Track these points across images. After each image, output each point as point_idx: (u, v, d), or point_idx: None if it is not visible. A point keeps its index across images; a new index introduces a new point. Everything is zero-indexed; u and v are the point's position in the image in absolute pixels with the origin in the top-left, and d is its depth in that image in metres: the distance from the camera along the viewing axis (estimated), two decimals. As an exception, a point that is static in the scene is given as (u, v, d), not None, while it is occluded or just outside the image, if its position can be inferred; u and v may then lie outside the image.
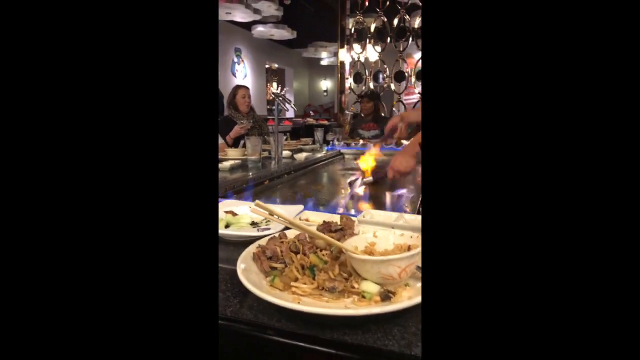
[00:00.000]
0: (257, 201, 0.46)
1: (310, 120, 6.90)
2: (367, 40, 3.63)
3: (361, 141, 2.50)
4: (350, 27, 3.70)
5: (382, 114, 3.43)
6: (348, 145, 2.42)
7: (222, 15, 4.55)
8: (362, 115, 3.25)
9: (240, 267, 0.49)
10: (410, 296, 0.44)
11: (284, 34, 5.22)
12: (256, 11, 4.33)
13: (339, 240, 0.57)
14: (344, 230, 0.61)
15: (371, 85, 3.68)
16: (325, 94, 9.08)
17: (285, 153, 1.97)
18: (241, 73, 6.37)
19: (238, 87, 2.70)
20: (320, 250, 0.54)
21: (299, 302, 0.44)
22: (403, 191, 0.81)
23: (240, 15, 4.42)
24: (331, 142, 2.42)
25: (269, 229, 0.69)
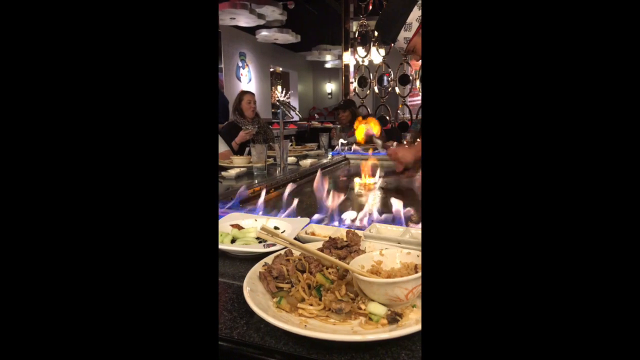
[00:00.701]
0: (263, 225, 0.46)
1: (315, 124, 6.91)
2: (372, 44, 3.63)
3: (355, 147, 2.50)
4: (354, 30, 3.70)
5: (387, 118, 3.45)
6: (353, 150, 2.41)
7: (227, 21, 4.58)
8: (341, 125, 3.30)
9: (247, 289, 0.49)
10: (417, 319, 0.43)
11: (288, 38, 5.24)
12: (260, 16, 4.35)
13: (345, 257, 0.57)
14: (350, 246, 0.61)
15: (376, 89, 3.68)
16: (329, 96, 9.09)
17: (291, 159, 1.97)
18: (246, 77, 6.40)
19: (244, 92, 2.71)
20: (327, 269, 0.54)
21: (305, 326, 0.43)
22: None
23: (244, 20, 4.45)
24: (344, 146, 2.41)
25: (274, 244, 0.69)
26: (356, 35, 3.69)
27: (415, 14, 1.19)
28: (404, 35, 1.21)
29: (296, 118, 6.97)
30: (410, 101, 3.73)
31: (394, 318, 0.44)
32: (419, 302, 0.48)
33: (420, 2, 1.18)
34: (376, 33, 3.55)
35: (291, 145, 2.61)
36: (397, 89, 3.62)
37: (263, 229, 0.47)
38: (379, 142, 1.92)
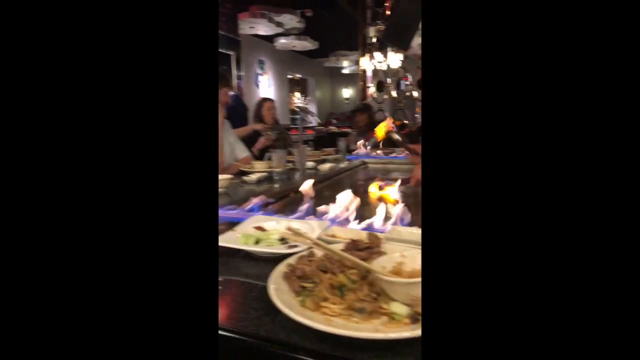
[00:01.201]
0: (289, 225, 0.48)
1: (333, 129, 6.93)
2: (389, 48, 3.64)
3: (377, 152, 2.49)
4: (371, 35, 3.72)
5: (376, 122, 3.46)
6: (370, 154, 2.42)
7: (246, 30, 4.69)
8: (358, 128, 3.29)
9: (272, 287, 0.51)
10: (440, 319, 0.44)
11: (305, 44, 5.30)
12: (279, 24, 4.43)
13: (366, 259, 0.58)
14: (371, 248, 0.62)
15: (393, 93, 3.68)
16: (347, 101, 9.11)
17: (309, 164, 1.99)
18: (264, 84, 6.50)
19: (264, 100, 2.76)
20: (349, 270, 0.55)
21: (329, 324, 0.45)
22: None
23: (263, 28, 4.54)
24: (367, 149, 2.42)
25: (297, 245, 0.70)
26: (373, 41, 3.71)
27: None
28: (418, 41, 1.19)
29: (315, 123, 7.02)
30: (428, 105, 3.70)
31: (416, 318, 0.45)
32: (440, 303, 0.49)
33: None
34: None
35: (309, 149, 2.64)
36: (415, 93, 3.60)
37: (289, 229, 0.49)
38: (397, 137, 1.91)
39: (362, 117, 3.27)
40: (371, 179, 1.66)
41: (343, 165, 2.12)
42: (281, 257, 0.62)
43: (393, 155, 2.33)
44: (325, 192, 1.66)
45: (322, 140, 5.37)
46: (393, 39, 1.30)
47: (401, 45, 1.25)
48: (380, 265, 0.53)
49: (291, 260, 0.59)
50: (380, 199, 1.33)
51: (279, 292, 0.51)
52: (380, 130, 1.94)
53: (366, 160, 2.31)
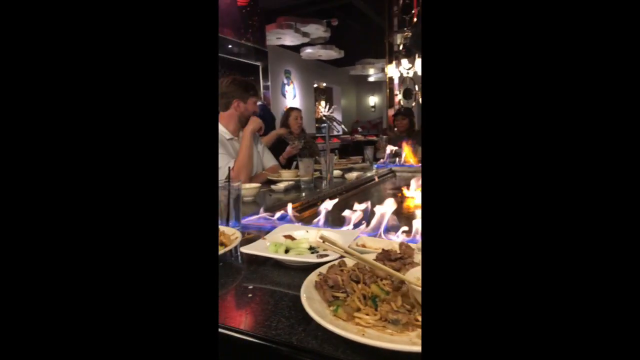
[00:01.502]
0: (322, 234, 0.48)
1: (359, 137, 6.92)
2: (416, 55, 3.61)
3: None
4: (398, 42, 3.71)
5: (416, 129, 3.41)
6: (396, 162, 2.39)
7: (273, 41, 4.80)
8: (398, 132, 3.26)
9: (304, 296, 0.51)
10: (478, 333, 0.42)
11: (331, 54, 5.36)
12: (305, 34, 4.51)
13: (399, 269, 0.57)
14: (403, 259, 0.61)
15: (421, 100, 3.63)
16: (373, 109, 9.08)
17: (336, 173, 1.99)
18: (290, 94, 6.60)
19: (291, 109, 2.81)
20: (381, 280, 0.54)
21: (363, 335, 0.44)
22: None
23: (289, 39, 4.63)
24: (386, 159, 2.41)
25: (327, 254, 0.70)
26: (400, 48, 3.69)
27: None
28: None
29: (341, 131, 7.07)
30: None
31: (453, 331, 0.44)
32: (478, 317, 0.47)
33: None
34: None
35: (336, 158, 2.64)
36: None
37: (322, 237, 0.49)
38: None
39: (404, 122, 3.26)
40: (399, 188, 1.64)
41: (370, 173, 2.10)
42: (311, 267, 0.62)
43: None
44: (353, 200, 1.65)
45: (348, 149, 5.38)
46: (419, 46, 1.29)
47: None
48: (414, 277, 0.52)
49: (322, 269, 0.59)
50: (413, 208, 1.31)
51: (311, 301, 0.51)
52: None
53: (394, 168, 2.28)
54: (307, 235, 0.84)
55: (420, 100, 3.64)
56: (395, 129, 3.34)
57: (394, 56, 3.72)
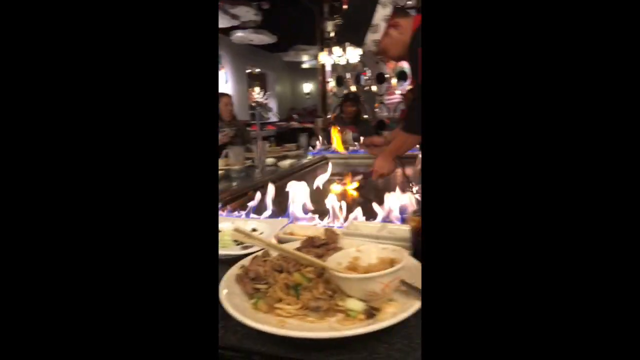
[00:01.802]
0: (236, 226, 0.46)
1: (295, 124, 6.89)
2: (347, 43, 3.65)
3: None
4: (329, 30, 3.72)
5: (363, 117, 3.46)
6: (330, 149, 2.42)
7: (200, 22, 4.51)
8: (344, 118, 3.26)
9: (224, 292, 0.48)
10: (394, 312, 0.44)
11: (263, 38, 5.19)
12: (234, 17, 4.30)
13: (322, 255, 0.57)
14: (328, 244, 0.61)
15: (352, 88, 3.70)
16: (308, 96, 9.09)
17: (269, 160, 1.96)
18: (222, 79, 6.31)
19: (221, 95, 2.67)
20: (305, 268, 0.54)
21: (283, 326, 0.43)
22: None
23: (218, 21, 4.39)
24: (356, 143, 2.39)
25: (252, 246, 0.68)
26: (331, 35, 3.71)
27: (381, 14, 1.13)
28: (371, 37, 1.17)
29: (274, 119, 6.95)
30: (387, 100, 3.77)
31: (371, 313, 0.45)
32: (395, 296, 0.49)
33: (384, 1, 1.15)
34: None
35: (270, 146, 2.59)
36: (374, 88, 3.65)
37: (237, 230, 0.46)
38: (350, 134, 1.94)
39: (352, 109, 3.20)
40: (333, 175, 1.66)
41: (305, 161, 2.10)
42: (236, 259, 0.60)
43: (354, 150, 2.35)
44: (287, 188, 1.64)
45: (284, 136, 5.32)
46: (348, 35, 1.29)
47: (355, 41, 1.23)
48: (336, 262, 0.52)
49: (244, 261, 0.56)
50: (342, 194, 1.33)
51: (231, 295, 0.48)
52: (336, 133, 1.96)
53: (328, 155, 2.31)
54: (232, 226, 0.80)
55: (352, 87, 3.71)
56: (343, 115, 3.31)
57: (325, 43, 3.72)
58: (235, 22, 4.41)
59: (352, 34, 1.23)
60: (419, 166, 1.66)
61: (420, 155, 1.74)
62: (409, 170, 1.38)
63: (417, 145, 1.78)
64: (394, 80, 3.62)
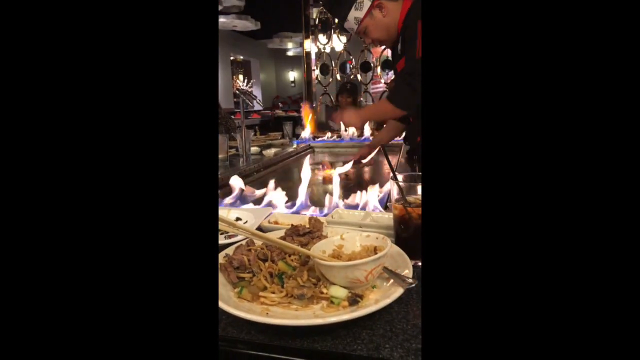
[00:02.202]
0: (220, 216, 0.45)
1: (280, 113, 6.82)
2: (332, 31, 3.61)
3: (329, 134, 2.50)
4: (314, 17, 3.66)
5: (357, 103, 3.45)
6: (317, 138, 2.42)
7: (181, 6, 4.37)
8: (339, 107, 3.26)
9: (207, 281, 0.48)
10: (377, 299, 0.45)
11: (247, 24, 5.08)
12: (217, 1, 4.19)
13: (307, 243, 0.57)
14: (312, 233, 0.61)
15: (338, 76, 3.68)
16: (292, 84, 9.00)
17: (254, 149, 1.94)
18: (205, 66, 6.16)
19: None
20: (289, 256, 0.54)
21: (267, 314, 0.43)
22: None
23: (200, 6, 4.26)
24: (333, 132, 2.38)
25: (236, 235, 0.68)
26: (316, 22, 3.65)
27: None
28: (354, 14, 1.16)
29: (258, 107, 6.87)
30: (372, 88, 3.77)
31: (354, 300, 0.45)
32: (378, 283, 0.49)
33: None
34: (336, 20, 3.53)
35: (255, 135, 2.56)
36: (359, 77, 3.64)
37: (221, 219, 0.46)
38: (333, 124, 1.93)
39: (348, 100, 3.18)
40: (318, 163, 1.66)
41: (290, 150, 2.09)
42: (220, 248, 0.59)
43: (339, 139, 2.35)
44: (271, 177, 1.63)
45: (268, 125, 5.27)
46: (332, 6, 1.27)
47: (338, 14, 1.22)
48: (320, 250, 0.52)
49: (228, 250, 0.56)
50: (326, 182, 1.33)
51: (214, 285, 0.48)
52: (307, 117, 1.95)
53: (312, 144, 2.30)
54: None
55: (338, 76, 3.68)
56: (338, 105, 3.28)
57: (310, 30, 3.67)
58: (218, 7, 4.29)
59: (336, 5, 1.21)
60: (402, 156, 1.68)
61: (404, 145, 1.76)
62: (393, 159, 1.39)
63: (400, 137, 1.79)
64: (378, 69, 3.61)
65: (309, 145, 2.28)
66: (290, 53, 7.70)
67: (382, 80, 3.72)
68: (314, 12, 3.66)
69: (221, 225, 0.50)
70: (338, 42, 3.64)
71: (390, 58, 3.47)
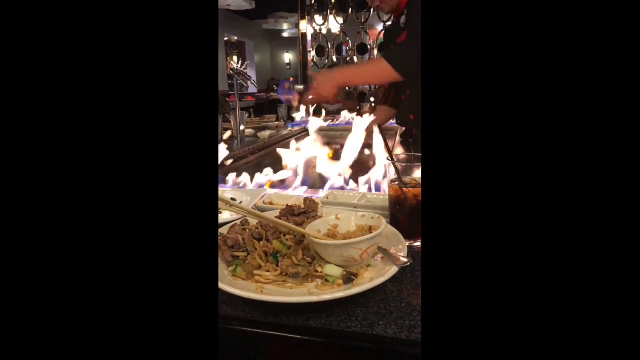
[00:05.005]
0: (220, 195, 0.45)
1: (275, 95, 6.73)
2: (329, 12, 3.53)
3: (324, 115, 2.48)
4: (311, -4, 3.57)
5: (347, 89, 3.40)
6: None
7: (173, -17, 4.23)
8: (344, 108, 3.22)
9: (201, 259, 0.48)
10: (371, 277, 0.45)
11: (241, 3, 4.94)
12: (210, -21, 4.06)
13: (302, 223, 0.57)
14: (307, 213, 0.61)
15: (334, 58, 3.62)
16: (288, 67, 8.86)
17: (248, 131, 1.92)
18: (198, 46, 6.03)
19: None
20: (284, 235, 0.54)
21: (262, 291, 0.43)
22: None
23: (193, -17, 4.13)
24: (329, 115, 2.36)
25: (231, 214, 0.67)
26: (312, 2, 3.57)
27: None
28: None
29: (253, 89, 6.78)
30: (368, 71, 3.72)
31: (349, 278, 0.45)
32: (373, 262, 0.50)
33: None
34: (333, 0, 3.45)
35: (249, 117, 2.53)
36: (355, 59, 3.58)
37: (219, 199, 0.45)
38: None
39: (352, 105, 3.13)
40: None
41: (285, 132, 2.07)
42: (213, 228, 0.59)
43: (335, 122, 2.34)
44: (266, 159, 1.62)
45: (263, 107, 5.21)
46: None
47: None
48: (315, 229, 0.52)
49: (223, 229, 0.56)
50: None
51: (209, 263, 0.48)
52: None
53: (308, 127, 2.28)
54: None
55: (334, 58, 3.62)
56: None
57: (306, 11, 3.58)
58: (211, -15, 4.17)
59: None
60: (398, 137, 1.67)
61: (400, 128, 1.74)
62: (390, 140, 1.38)
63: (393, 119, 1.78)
64: (375, 51, 3.55)
65: (304, 128, 2.26)
66: (285, 34, 7.55)
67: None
68: (311, -8, 3.57)
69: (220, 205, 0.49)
70: (334, 23, 3.57)
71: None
